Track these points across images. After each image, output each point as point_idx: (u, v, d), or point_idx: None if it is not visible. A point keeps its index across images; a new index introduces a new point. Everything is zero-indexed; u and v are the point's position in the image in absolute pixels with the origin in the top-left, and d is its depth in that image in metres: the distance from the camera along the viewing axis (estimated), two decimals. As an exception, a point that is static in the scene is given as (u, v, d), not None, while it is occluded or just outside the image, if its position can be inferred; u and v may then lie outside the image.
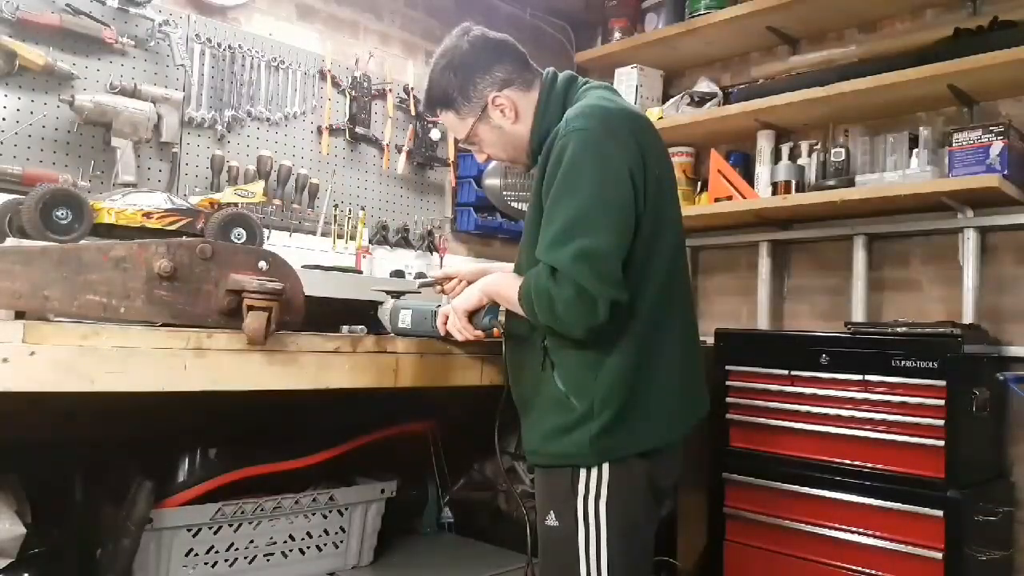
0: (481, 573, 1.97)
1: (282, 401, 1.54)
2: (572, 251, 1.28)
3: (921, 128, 2.51)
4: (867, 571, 2.07)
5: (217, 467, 1.73)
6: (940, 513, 1.96)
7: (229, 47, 2.43)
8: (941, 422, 1.98)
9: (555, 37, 3.50)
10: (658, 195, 1.40)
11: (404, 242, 2.86)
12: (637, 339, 1.38)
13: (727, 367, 2.42)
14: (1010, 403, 2.35)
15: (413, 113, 2.86)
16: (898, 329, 2.16)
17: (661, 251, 1.41)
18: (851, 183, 2.55)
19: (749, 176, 2.91)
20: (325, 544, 1.92)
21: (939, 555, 1.95)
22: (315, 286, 1.52)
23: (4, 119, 2.02)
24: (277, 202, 2.47)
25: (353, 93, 2.71)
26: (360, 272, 2.51)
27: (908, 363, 2.04)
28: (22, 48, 1.98)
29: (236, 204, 2.05)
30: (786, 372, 2.27)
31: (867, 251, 2.68)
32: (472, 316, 1.53)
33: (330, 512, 1.91)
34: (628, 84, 3.18)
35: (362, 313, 1.82)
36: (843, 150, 2.66)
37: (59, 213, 1.69)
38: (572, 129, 1.36)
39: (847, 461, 2.15)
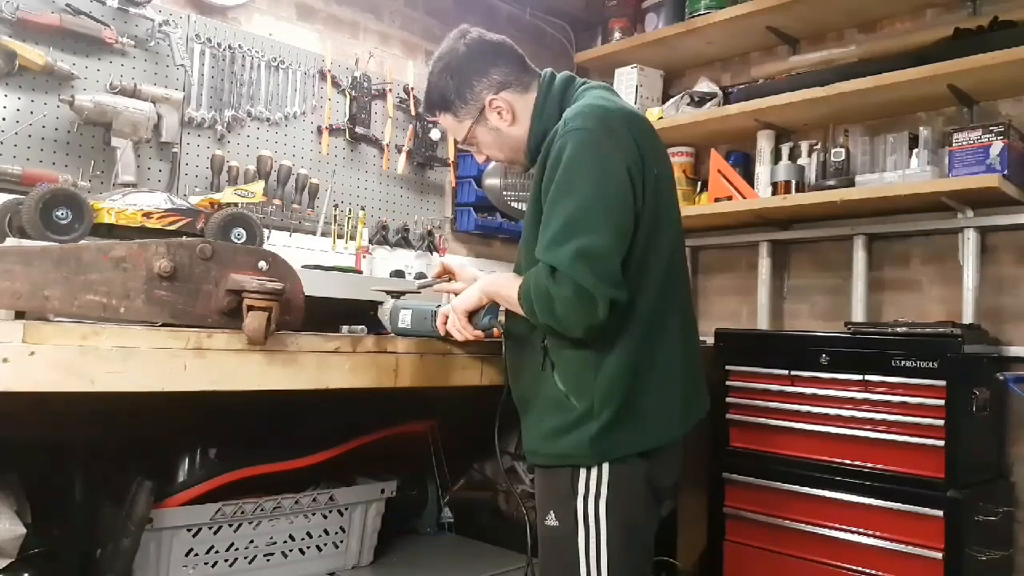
0: (481, 573, 1.97)
1: (282, 401, 1.54)
2: (571, 250, 1.28)
3: (921, 128, 2.51)
4: (867, 571, 2.07)
5: (217, 467, 1.72)
6: (940, 513, 1.96)
7: (229, 47, 2.43)
8: (941, 422, 1.98)
9: (555, 37, 3.50)
10: (657, 194, 1.40)
11: (404, 242, 2.86)
12: (636, 339, 1.38)
13: (727, 367, 2.42)
14: (1010, 403, 2.35)
15: (413, 113, 2.86)
16: (898, 329, 2.17)
17: (660, 250, 1.42)
18: (851, 183, 2.55)
19: (749, 176, 2.91)
20: (325, 544, 1.92)
21: (939, 555, 1.95)
22: (315, 286, 1.52)
23: (4, 119, 2.02)
24: (277, 202, 2.47)
25: (353, 93, 2.71)
26: (360, 272, 2.51)
27: (908, 363, 2.04)
28: (22, 48, 1.98)
29: (236, 204, 2.05)
30: (786, 372, 2.27)
31: (867, 251, 2.68)
32: (472, 316, 1.52)
33: (330, 512, 1.91)
34: (628, 84, 3.18)
35: (362, 313, 1.82)
36: (843, 150, 2.66)
37: (59, 213, 1.69)
38: (570, 129, 1.36)
39: (847, 461, 2.15)
